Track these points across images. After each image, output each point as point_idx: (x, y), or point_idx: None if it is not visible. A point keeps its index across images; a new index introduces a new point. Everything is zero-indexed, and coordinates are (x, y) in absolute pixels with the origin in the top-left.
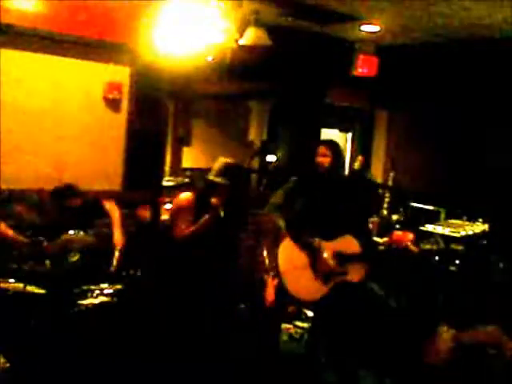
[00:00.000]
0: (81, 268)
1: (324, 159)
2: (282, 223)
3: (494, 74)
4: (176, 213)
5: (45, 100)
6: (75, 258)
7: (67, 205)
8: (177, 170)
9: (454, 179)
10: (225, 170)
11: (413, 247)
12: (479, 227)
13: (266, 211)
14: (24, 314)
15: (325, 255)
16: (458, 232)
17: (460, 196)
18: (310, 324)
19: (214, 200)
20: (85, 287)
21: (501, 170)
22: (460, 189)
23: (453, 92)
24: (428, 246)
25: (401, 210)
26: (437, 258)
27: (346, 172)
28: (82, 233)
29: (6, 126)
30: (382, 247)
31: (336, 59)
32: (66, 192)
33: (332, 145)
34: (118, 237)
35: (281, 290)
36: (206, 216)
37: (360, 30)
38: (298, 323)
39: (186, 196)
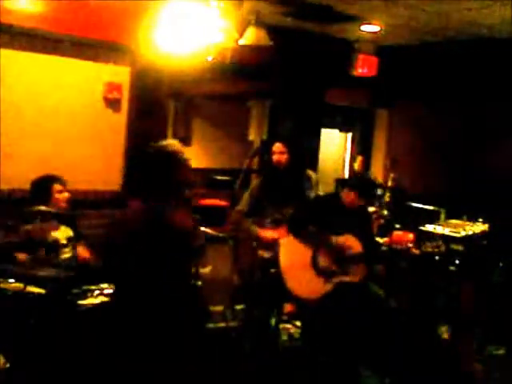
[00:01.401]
0: (76, 265)
1: (281, 156)
2: (254, 228)
3: (493, 73)
4: None
5: (45, 100)
6: (68, 254)
7: (54, 197)
8: None
9: (454, 179)
10: None
11: (413, 250)
12: (479, 227)
13: (232, 219)
14: (24, 313)
15: (327, 253)
16: (458, 232)
17: (460, 196)
18: (305, 323)
19: None
20: (85, 287)
21: (501, 170)
22: (460, 189)
23: (453, 92)
24: (430, 250)
25: (400, 210)
26: (437, 257)
27: (347, 173)
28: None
29: (5, 125)
30: (382, 247)
31: (336, 59)
32: (51, 180)
33: (288, 142)
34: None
35: (281, 287)
36: None
37: (360, 30)
38: (298, 323)
39: None
